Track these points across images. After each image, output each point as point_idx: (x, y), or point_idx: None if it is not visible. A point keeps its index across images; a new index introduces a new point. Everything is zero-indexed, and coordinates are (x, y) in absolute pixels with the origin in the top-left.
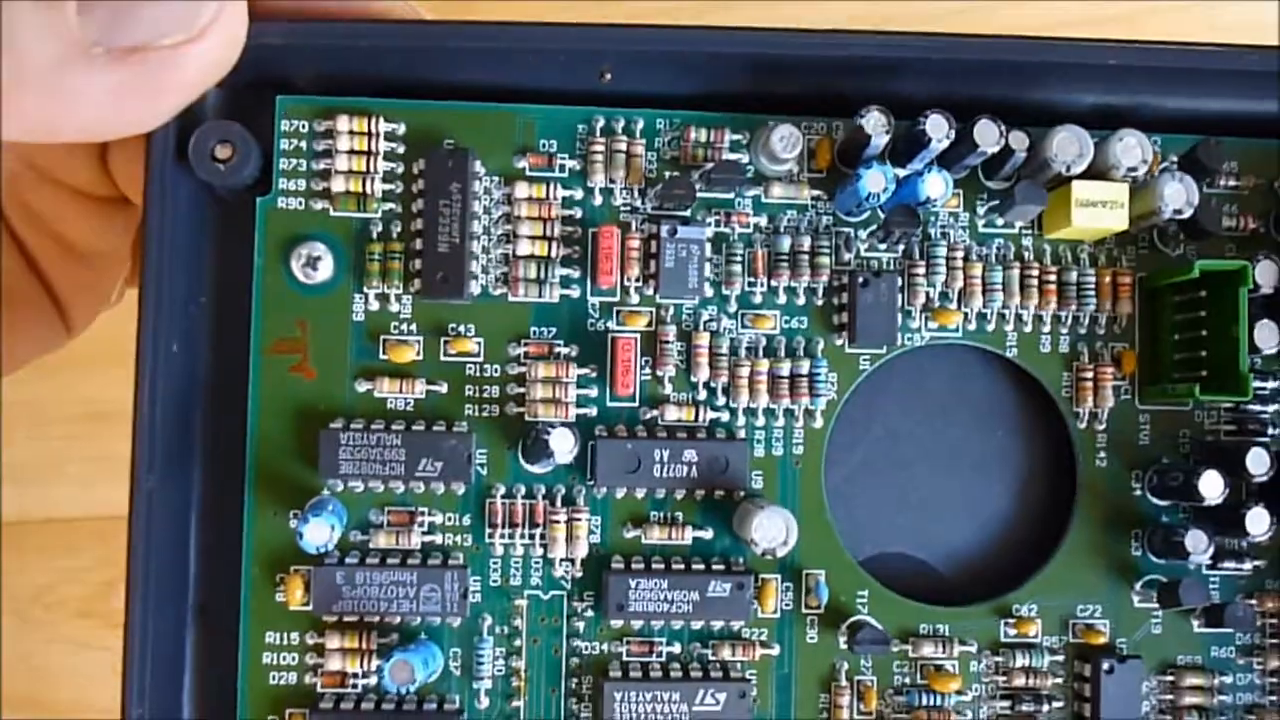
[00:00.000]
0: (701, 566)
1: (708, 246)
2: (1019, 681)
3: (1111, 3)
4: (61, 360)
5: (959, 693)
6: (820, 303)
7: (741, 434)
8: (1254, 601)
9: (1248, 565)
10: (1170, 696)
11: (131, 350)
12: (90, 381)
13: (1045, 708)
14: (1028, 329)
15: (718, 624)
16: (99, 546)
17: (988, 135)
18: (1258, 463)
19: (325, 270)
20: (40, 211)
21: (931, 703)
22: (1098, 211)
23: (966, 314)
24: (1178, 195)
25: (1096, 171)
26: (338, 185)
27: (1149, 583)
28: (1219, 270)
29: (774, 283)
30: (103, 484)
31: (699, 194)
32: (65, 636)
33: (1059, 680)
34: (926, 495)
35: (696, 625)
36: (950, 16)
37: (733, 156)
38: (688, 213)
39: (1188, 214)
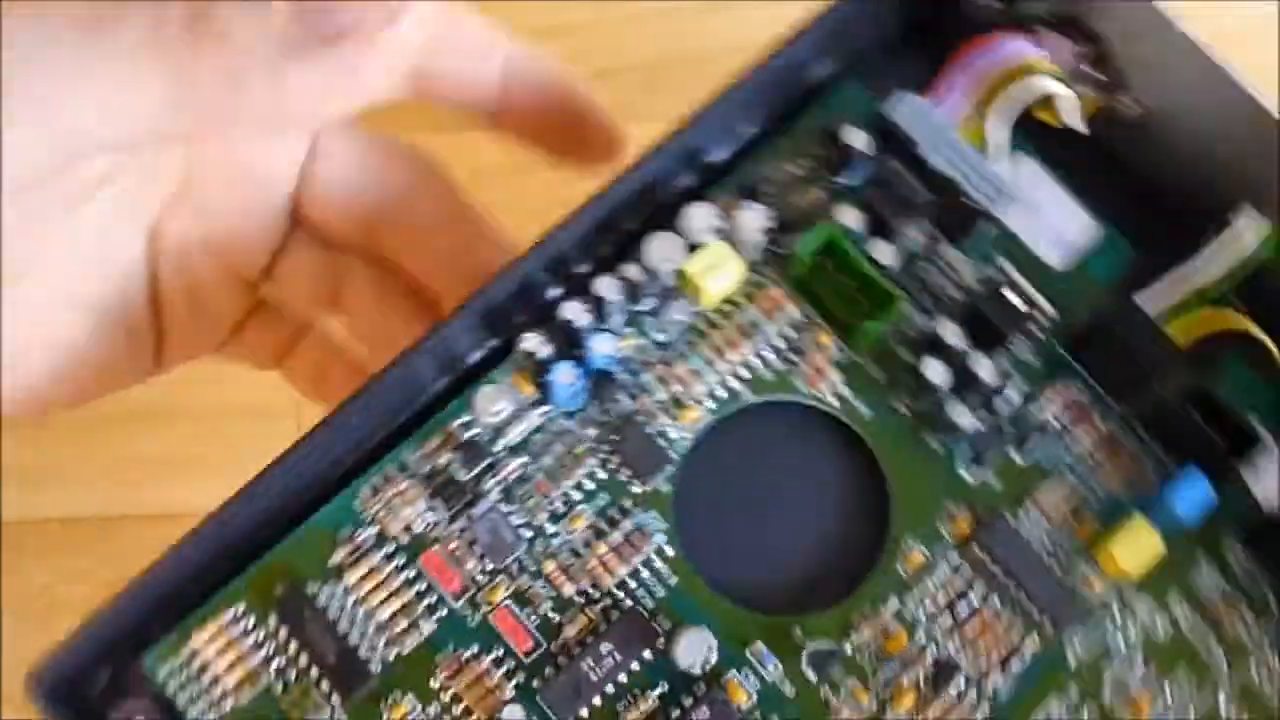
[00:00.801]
0: (678, 711)
1: (500, 507)
2: (942, 596)
3: None
4: None
5: (910, 638)
6: None
7: (628, 602)
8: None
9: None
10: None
11: None
12: None
13: (971, 583)
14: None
15: None
16: (99, 546)
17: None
18: (935, 371)
19: None
20: (188, 261)
21: (880, 693)
22: (717, 274)
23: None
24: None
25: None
26: None
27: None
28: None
29: (571, 493)
30: (103, 484)
31: None
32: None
33: (966, 565)
34: (775, 533)
35: None
36: None
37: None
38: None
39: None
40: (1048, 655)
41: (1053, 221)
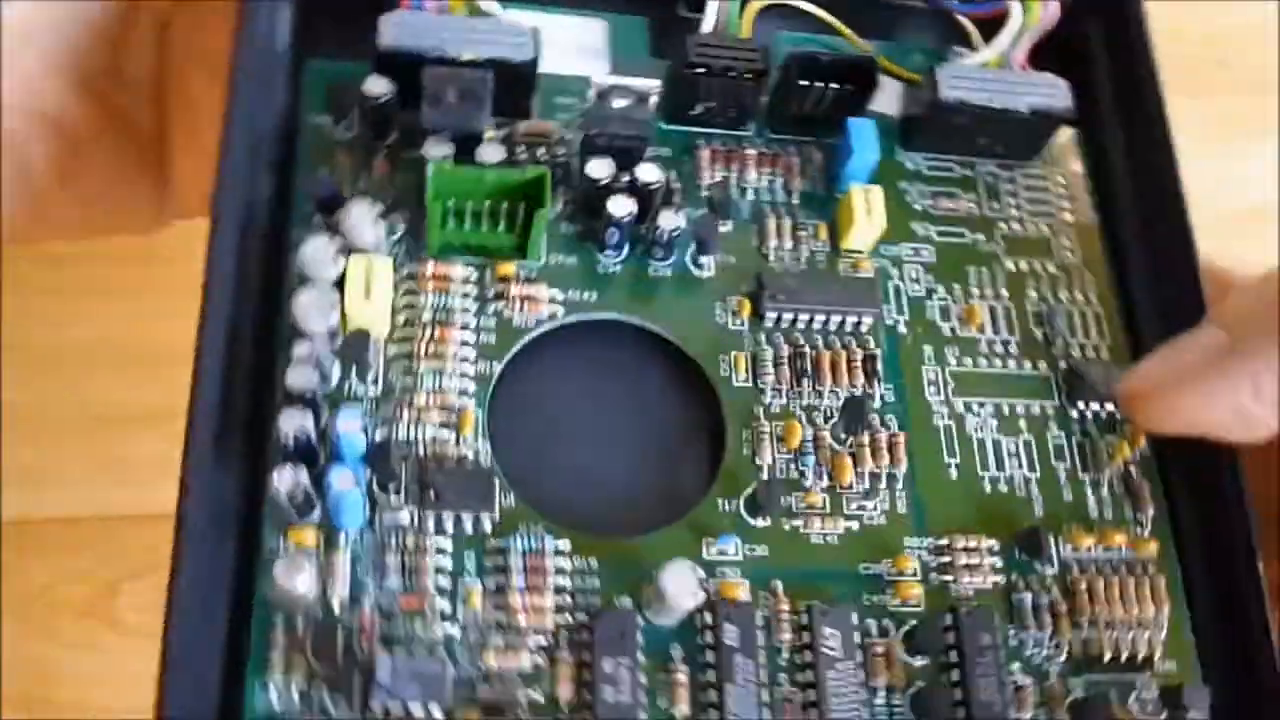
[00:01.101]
0: (710, 652)
1: (396, 654)
2: (785, 371)
3: None
4: (63, 360)
5: (799, 419)
6: None
7: (581, 615)
8: None
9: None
10: None
11: (133, 354)
12: (92, 383)
13: (793, 343)
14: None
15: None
16: (99, 546)
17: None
18: (620, 205)
19: None
20: (196, 97)
21: (821, 485)
22: (374, 288)
23: None
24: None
25: None
26: None
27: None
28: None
29: (441, 581)
30: (103, 484)
31: None
32: (65, 636)
33: (776, 334)
34: (629, 448)
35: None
36: None
37: None
38: None
39: None
40: (886, 339)
41: (573, 43)
